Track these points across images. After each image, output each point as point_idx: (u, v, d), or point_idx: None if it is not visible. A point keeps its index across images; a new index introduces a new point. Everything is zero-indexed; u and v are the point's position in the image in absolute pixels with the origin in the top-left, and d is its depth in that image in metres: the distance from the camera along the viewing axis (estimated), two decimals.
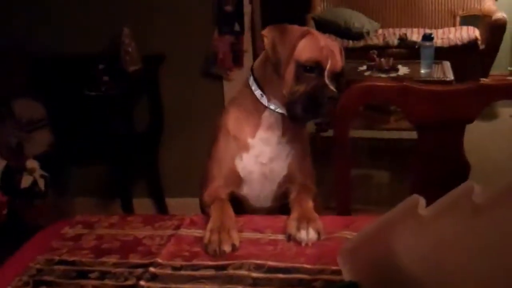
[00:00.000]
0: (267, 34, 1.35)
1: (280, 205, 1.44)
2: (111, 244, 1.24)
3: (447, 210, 0.77)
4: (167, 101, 3.01)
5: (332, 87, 1.29)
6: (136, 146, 2.93)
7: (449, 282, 0.75)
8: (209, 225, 1.21)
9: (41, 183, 2.65)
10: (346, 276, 0.93)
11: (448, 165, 1.49)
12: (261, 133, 1.37)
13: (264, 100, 1.37)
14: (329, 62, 1.31)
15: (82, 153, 3.06)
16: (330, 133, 1.66)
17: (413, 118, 1.51)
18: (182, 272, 1.11)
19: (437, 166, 1.51)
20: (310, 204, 1.29)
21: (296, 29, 1.35)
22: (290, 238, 1.19)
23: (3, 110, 2.77)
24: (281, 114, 1.36)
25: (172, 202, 3.13)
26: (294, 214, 1.25)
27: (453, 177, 1.25)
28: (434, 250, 0.78)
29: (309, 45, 1.32)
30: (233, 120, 1.41)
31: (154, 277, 1.10)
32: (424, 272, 0.80)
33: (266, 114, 1.37)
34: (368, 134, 4.14)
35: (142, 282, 1.08)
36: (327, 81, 1.30)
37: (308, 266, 1.08)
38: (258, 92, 1.37)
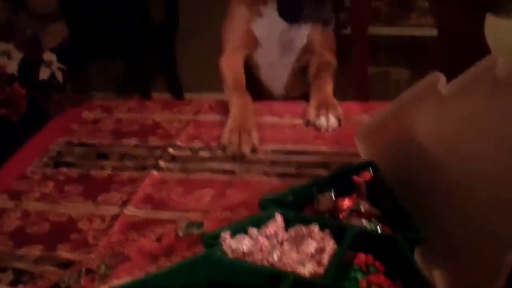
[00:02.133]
0: None
1: (299, 94, 1.43)
2: (130, 127, 1.26)
3: (468, 86, 0.74)
4: None
5: None
6: (152, 38, 2.89)
7: (467, 158, 0.74)
8: (229, 124, 1.16)
9: (59, 76, 2.65)
10: (364, 156, 0.93)
11: (469, 56, 1.45)
12: (273, 3, 1.32)
13: None
14: None
15: (98, 47, 3.03)
16: (349, 30, 1.62)
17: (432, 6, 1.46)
18: (201, 153, 1.13)
19: (456, 57, 1.47)
20: (330, 89, 1.27)
21: None
22: (309, 123, 1.19)
23: (17, 3, 2.73)
24: None
25: (191, 97, 3.14)
26: (314, 101, 1.23)
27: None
28: (455, 128, 0.76)
29: None
30: None
31: (173, 158, 1.12)
32: (443, 151, 0.78)
33: None
34: (388, 31, 4.03)
35: (161, 162, 1.10)
36: None
37: (325, 149, 1.09)
38: None
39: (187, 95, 3.15)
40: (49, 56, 2.64)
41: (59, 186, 1.07)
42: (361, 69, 1.56)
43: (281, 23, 1.32)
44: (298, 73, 1.42)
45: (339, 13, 4.09)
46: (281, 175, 1.03)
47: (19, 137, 1.41)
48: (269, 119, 1.24)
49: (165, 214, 0.96)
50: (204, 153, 1.13)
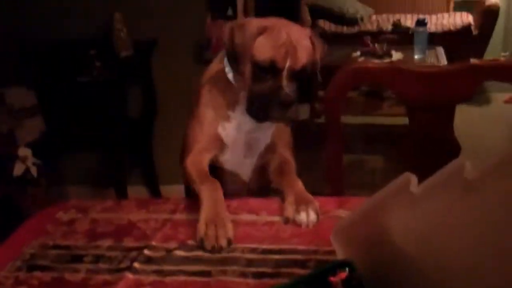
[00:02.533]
0: (226, 30, 1.29)
1: (258, 186, 1.47)
2: (105, 228, 1.24)
3: (438, 187, 0.76)
4: (160, 87, 3.00)
5: (288, 90, 1.23)
6: (130, 132, 2.91)
7: (442, 260, 0.75)
8: (203, 216, 1.15)
9: (34, 171, 2.64)
10: (340, 255, 0.93)
11: (440, 147, 1.49)
12: (242, 107, 1.34)
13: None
14: (288, 60, 1.23)
15: (75, 140, 3.04)
16: (323, 119, 1.65)
17: (404, 99, 1.51)
18: (176, 253, 1.11)
19: (428, 148, 1.51)
20: (301, 185, 1.28)
21: (254, 25, 1.27)
22: (287, 221, 1.18)
23: None
24: None
25: (166, 189, 3.13)
26: (290, 198, 1.23)
27: (445, 159, 1.25)
28: (427, 227, 0.78)
29: (266, 43, 1.24)
30: (211, 95, 1.38)
31: (148, 260, 1.10)
32: (418, 250, 0.79)
33: (243, 93, 1.32)
34: (361, 120, 4.14)
35: (136, 264, 1.08)
36: (284, 82, 1.23)
37: (302, 247, 1.09)
38: (231, 75, 1.34)
39: (163, 188, 3.14)
40: (24, 151, 2.64)
41: None
42: (336, 158, 1.58)
43: (247, 124, 1.35)
44: (259, 170, 1.44)
45: (314, 103, 4.23)
46: (258, 275, 1.01)
47: None
48: (245, 216, 1.23)
49: None
50: (180, 253, 1.11)
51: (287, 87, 1.23)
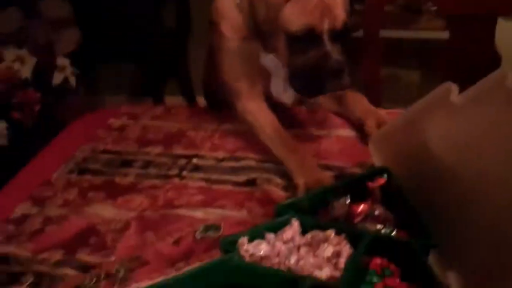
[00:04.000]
0: (243, 5, 1.17)
1: None
2: (155, 135, 1.28)
3: (480, 97, 0.76)
4: None
5: (336, 54, 1.08)
6: (165, 42, 2.91)
7: (479, 170, 0.76)
8: (299, 179, 1.03)
9: (72, 80, 2.68)
10: (377, 163, 0.95)
11: (480, 59, 1.46)
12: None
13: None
14: (326, 21, 1.07)
15: (111, 51, 3.05)
16: (360, 33, 1.61)
17: (443, 10, 1.47)
18: (224, 164, 1.15)
19: (468, 60, 1.49)
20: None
21: None
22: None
23: (31, 10, 2.76)
24: None
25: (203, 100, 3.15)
26: (370, 122, 1.17)
27: (485, 72, 1.24)
28: (467, 137, 0.78)
29: (296, 9, 1.08)
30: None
31: (196, 168, 1.14)
32: (455, 160, 0.80)
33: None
34: (397, 34, 4.03)
35: (184, 172, 1.12)
36: (328, 47, 1.07)
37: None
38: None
39: (200, 99, 3.17)
40: (62, 61, 2.67)
41: (82, 193, 1.09)
42: (374, 73, 1.58)
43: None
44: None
45: (350, 16, 4.11)
46: None
47: (33, 141, 1.43)
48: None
49: (183, 218, 0.98)
50: (227, 163, 1.15)
51: (334, 52, 1.08)
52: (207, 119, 1.32)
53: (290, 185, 1.04)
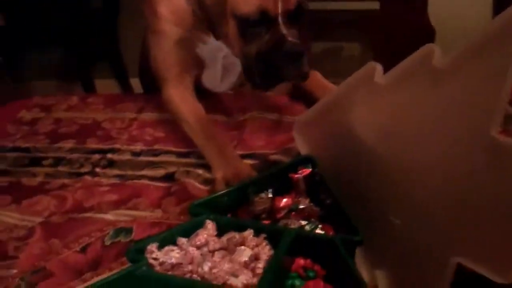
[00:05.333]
0: None
1: None
2: (68, 128, 1.19)
3: (405, 76, 0.70)
4: None
5: (292, 37, 0.98)
6: (92, 23, 2.78)
7: (406, 151, 0.70)
8: (217, 172, 0.96)
9: None
10: (302, 151, 0.89)
11: (412, 32, 1.42)
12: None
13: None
14: (280, 2, 0.97)
15: (36, 35, 2.89)
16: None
17: None
18: (141, 158, 1.07)
19: (400, 34, 1.44)
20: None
21: None
22: None
23: None
24: None
25: (137, 82, 3.04)
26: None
27: (417, 44, 1.19)
28: (391, 119, 0.73)
29: None
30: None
31: (111, 163, 1.06)
32: (381, 142, 0.74)
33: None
34: (335, 6, 3.99)
35: (97, 169, 1.04)
36: (284, 30, 0.98)
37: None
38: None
39: (133, 80, 3.05)
40: None
41: None
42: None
43: (223, 48, 1.14)
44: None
45: None
46: None
47: None
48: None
49: (91, 221, 0.89)
50: (144, 157, 1.07)
51: (290, 35, 0.98)
52: (126, 107, 1.23)
53: (211, 178, 0.97)
